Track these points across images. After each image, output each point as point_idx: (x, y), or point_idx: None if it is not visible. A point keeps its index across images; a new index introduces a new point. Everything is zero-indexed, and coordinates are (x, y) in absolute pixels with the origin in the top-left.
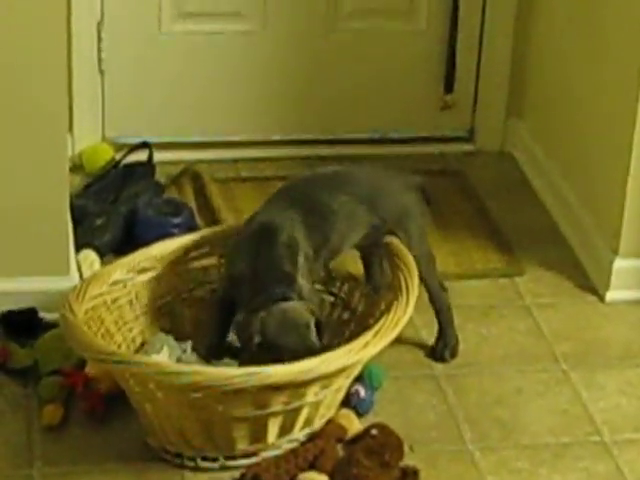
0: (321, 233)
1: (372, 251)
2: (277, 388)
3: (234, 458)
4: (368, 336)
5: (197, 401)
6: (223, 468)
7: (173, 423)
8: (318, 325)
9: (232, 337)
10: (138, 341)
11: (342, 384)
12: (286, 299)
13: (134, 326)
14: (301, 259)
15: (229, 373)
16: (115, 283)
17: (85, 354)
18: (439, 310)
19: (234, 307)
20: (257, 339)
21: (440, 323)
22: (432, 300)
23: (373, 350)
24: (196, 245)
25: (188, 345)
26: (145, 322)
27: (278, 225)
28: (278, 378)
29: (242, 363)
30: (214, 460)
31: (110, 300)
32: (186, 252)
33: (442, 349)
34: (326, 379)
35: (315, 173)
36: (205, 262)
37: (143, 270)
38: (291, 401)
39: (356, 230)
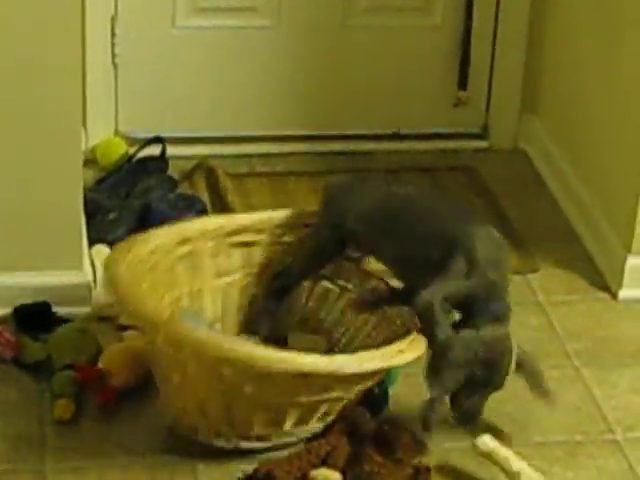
0: None
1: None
2: (309, 379)
3: (248, 439)
4: (404, 344)
5: (227, 378)
6: (237, 449)
7: (197, 397)
8: None
9: None
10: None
11: (368, 386)
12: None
13: (166, 297)
14: None
15: (266, 355)
16: (154, 252)
17: (128, 308)
18: None
19: None
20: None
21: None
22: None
23: (409, 357)
24: (236, 230)
25: (217, 327)
26: (176, 296)
27: None
28: (313, 367)
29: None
30: (228, 440)
31: (149, 267)
32: (226, 234)
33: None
34: (358, 378)
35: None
36: (249, 245)
37: (183, 241)
38: (318, 393)
39: None
